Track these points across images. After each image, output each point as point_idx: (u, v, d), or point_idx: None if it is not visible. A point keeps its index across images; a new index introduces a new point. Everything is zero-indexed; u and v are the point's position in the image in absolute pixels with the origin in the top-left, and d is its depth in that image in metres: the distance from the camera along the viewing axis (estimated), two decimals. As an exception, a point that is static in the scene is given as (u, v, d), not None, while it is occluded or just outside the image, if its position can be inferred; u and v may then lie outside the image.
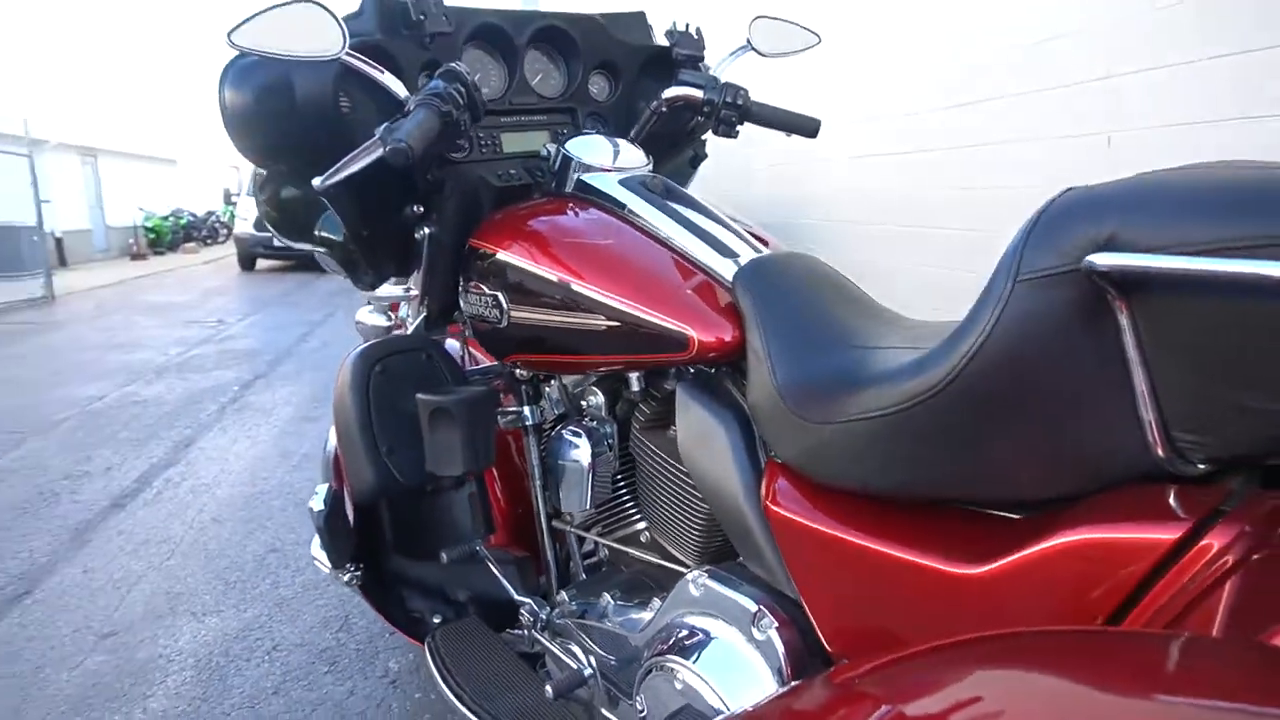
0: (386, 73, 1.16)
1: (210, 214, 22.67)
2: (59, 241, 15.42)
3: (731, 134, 1.47)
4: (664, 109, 1.43)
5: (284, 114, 1.19)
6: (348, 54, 1.09)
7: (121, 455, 3.85)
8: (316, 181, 1.15)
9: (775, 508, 0.90)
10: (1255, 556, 0.55)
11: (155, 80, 23.33)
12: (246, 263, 14.37)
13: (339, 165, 1.13)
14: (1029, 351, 0.66)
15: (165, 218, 20.70)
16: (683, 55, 1.54)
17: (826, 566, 0.85)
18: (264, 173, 1.31)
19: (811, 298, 1.01)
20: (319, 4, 1.06)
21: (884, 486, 0.80)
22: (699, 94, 1.40)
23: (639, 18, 1.60)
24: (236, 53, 1.10)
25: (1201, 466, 0.62)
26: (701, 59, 1.56)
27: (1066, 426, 0.66)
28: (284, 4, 1.03)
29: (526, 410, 1.36)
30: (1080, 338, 0.63)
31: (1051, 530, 0.66)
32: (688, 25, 1.58)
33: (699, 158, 1.73)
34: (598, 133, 1.42)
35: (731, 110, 1.41)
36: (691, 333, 1.00)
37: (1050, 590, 0.65)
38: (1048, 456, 0.68)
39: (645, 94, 1.54)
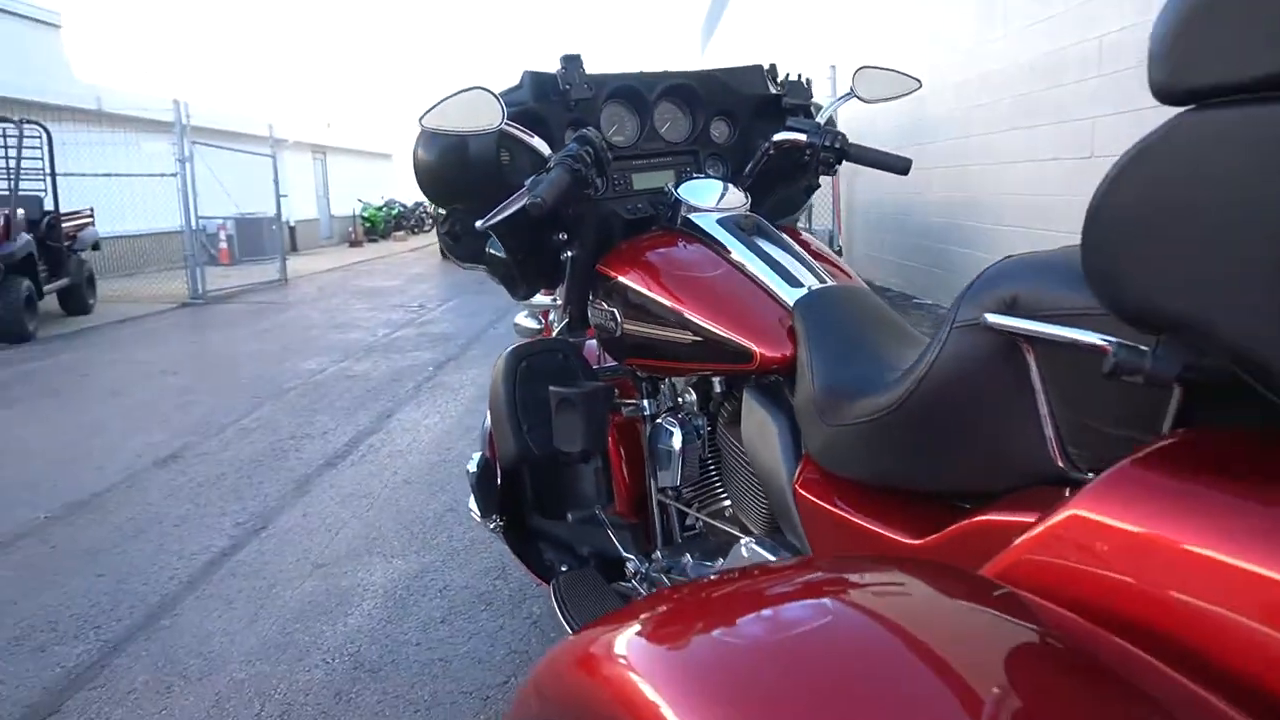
0: (535, 136, 1.49)
1: (418, 204, 24.61)
2: (292, 230, 17.43)
3: (831, 172, 1.70)
4: (772, 150, 1.68)
5: (459, 169, 1.55)
6: (505, 125, 1.42)
7: (336, 421, 4.52)
8: (479, 223, 1.49)
9: (802, 491, 1.14)
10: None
11: (377, 80, 25.58)
12: (446, 252, 15.65)
13: (495, 210, 1.47)
14: (960, 381, 0.87)
15: (379, 208, 22.80)
16: (792, 103, 1.77)
17: (831, 536, 1.09)
18: (444, 212, 1.68)
19: (853, 324, 1.23)
20: (484, 88, 1.39)
21: (868, 477, 1.03)
22: (803, 138, 1.64)
23: (757, 70, 1.85)
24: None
25: (1090, 475, 0.82)
26: (808, 106, 1.79)
27: (991, 439, 0.87)
28: (459, 91, 1.38)
29: (645, 403, 1.66)
30: (999, 371, 0.85)
31: (971, 514, 0.88)
32: (799, 76, 1.81)
33: (812, 187, 1.94)
34: (711, 176, 1.68)
35: (830, 152, 1.64)
36: (755, 348, 1.26)
37: (960, 560, 0.87)
38: (978, 461, 0.89)
39: (761, 135, 1.78)
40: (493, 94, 1.40)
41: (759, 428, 1.28)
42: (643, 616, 0.61)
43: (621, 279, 1.49)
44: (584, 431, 1.49)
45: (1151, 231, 0.56)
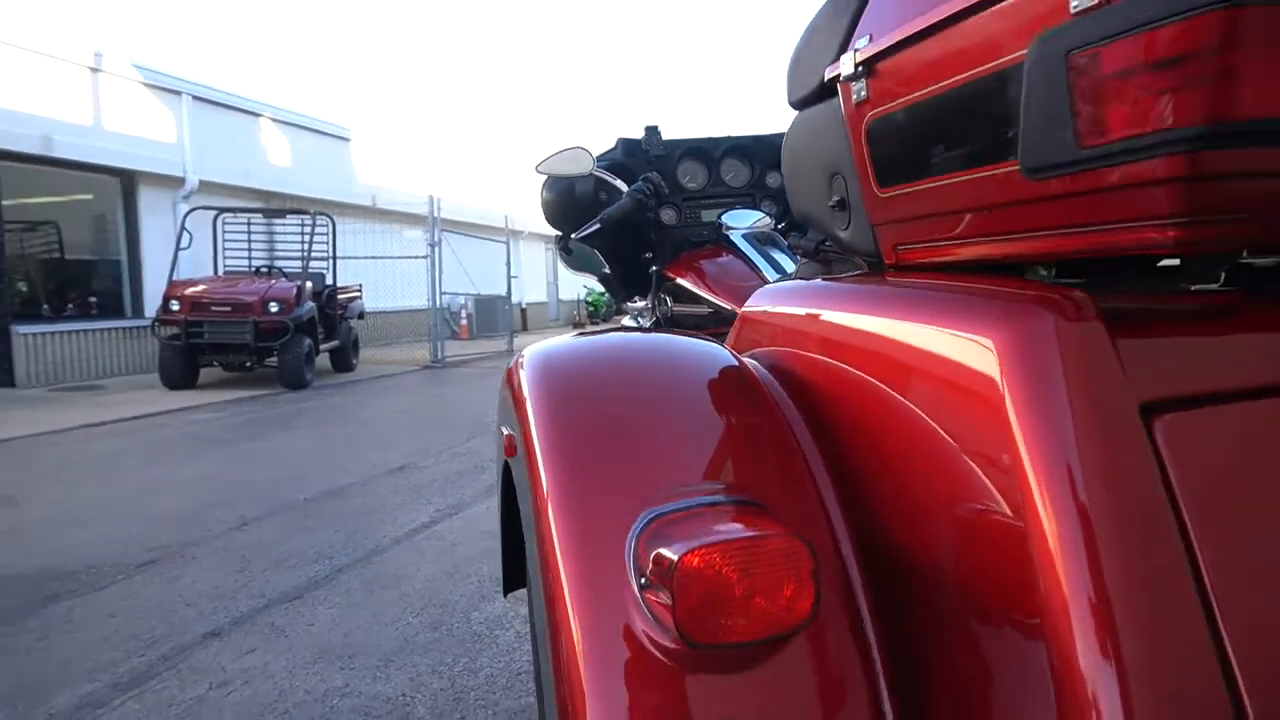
0: (618, 180, 2.14)
1: (637, 291, 26.33)
2: (524, 311, 19.37)
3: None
4: None
5: (569, 204, 2.23)
6: (595, 172, 2.08)
7: (528, 450, 5.33)
8: (572, 235, 2.15)
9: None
10: None
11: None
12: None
13: (584, 228, 2.13)
14: None
15: (601, 293, 24.65)
16: (827, 156, 2.31)
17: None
18: (560, 234, 2.37)
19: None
20: (581, 147, 2.06)
21: None
22: None
23: (803, 133, 2.41)
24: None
25: None
26: (840, 157, 2.31)
27: None
28: (563, 149, 2.06)
29: None
30: None
31: None
32: (836, 135, 2.35)
33: (855, 224, 2.45)
34: (754, 209, 2.25)
35: None
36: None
37: None
38: None
39: None
40: (586, 150, 2.07)
41: None
42: (551, 341, 1.17)
43: (676, 277, 2.09)
44: None
45: (794, 175, 1.10)
